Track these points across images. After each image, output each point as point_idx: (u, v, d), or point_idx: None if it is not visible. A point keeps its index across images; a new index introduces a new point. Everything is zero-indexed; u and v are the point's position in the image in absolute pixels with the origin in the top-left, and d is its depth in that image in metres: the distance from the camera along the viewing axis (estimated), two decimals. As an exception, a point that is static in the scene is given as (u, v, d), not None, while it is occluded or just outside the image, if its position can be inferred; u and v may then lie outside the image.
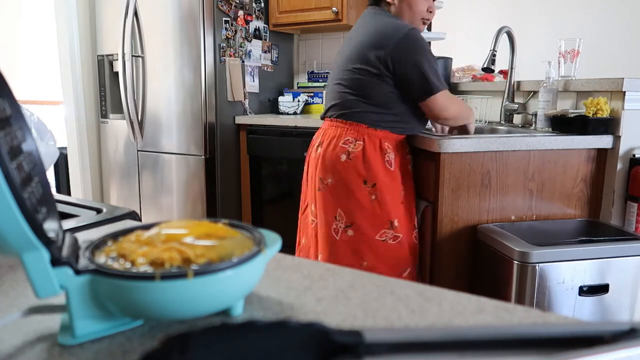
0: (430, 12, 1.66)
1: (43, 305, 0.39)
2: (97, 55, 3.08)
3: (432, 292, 0.44)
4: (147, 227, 0.43)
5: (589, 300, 1.43)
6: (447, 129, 1.83)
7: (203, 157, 2.69)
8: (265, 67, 3.19)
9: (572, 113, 1.72)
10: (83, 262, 0.37)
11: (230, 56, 2.85)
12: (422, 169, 1.67)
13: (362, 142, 1.55)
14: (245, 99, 2.96)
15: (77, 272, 0.36)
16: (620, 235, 1.50)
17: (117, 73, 2.91)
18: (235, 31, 2.89)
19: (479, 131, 2.14)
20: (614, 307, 1.45)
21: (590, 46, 2.13)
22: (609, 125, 1.65)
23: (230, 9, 2.83)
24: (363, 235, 1.54)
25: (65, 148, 3.22)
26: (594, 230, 1.60)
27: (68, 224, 0.65)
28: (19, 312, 0.38)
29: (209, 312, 0.38)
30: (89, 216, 0.70)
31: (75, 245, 0.39)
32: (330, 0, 2.84)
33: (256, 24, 3.07)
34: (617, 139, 1.64)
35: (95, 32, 3.07)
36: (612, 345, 0.32)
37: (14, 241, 0.32)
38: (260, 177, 2.83)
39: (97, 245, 0.40)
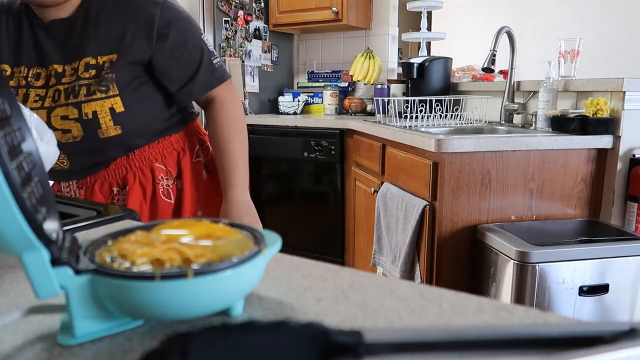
0: None
1: (43, 305, 0.39)
2: (97, 55, 3.07)
3: (432, 292, 0.44)
4: (147, 227, 0.43)
5: (589, 300, 1.42)
6: None
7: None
8: (265, 67, 3.19)
9: (572, 113, 1.73)
10: (83, 262, 0.37)
11: (230, 56, 2.85)
12: (421, 168, 1.67)
13: None
14: (245, 99, 2.96)
15: (77, 272, 0.36)
16: (620, 235, 1.50)
17: (117, 73, 2.90)
18: (235, 31, 2.89)
19: (479, 131, 2.14)
20: (614, 307, 1.45)
21: (590, 46, 2.13)
22: (609, 125, 1.65)
23: (230, 8, 2.83)
24: None
25: (65, 148, 3.21)
26: (594, 230, 1.60)
27: (68, 224, 0.65)
28: (19, 312, 0.38)
29: (209, 312, 0.38)
30: (89, 216, 0.70)
31: (75, 245, 0.39)
32: (330, 0, 2.84)
33: (256, 24, 3.07)
34: (617, 139, 1.64)
35: (95, 32, 3.07)
36: (612, 345, 0.32)
37: (14, 241, 0.32)
38: (260, 177, 2.83)
39: (97, 245, 0.40)
